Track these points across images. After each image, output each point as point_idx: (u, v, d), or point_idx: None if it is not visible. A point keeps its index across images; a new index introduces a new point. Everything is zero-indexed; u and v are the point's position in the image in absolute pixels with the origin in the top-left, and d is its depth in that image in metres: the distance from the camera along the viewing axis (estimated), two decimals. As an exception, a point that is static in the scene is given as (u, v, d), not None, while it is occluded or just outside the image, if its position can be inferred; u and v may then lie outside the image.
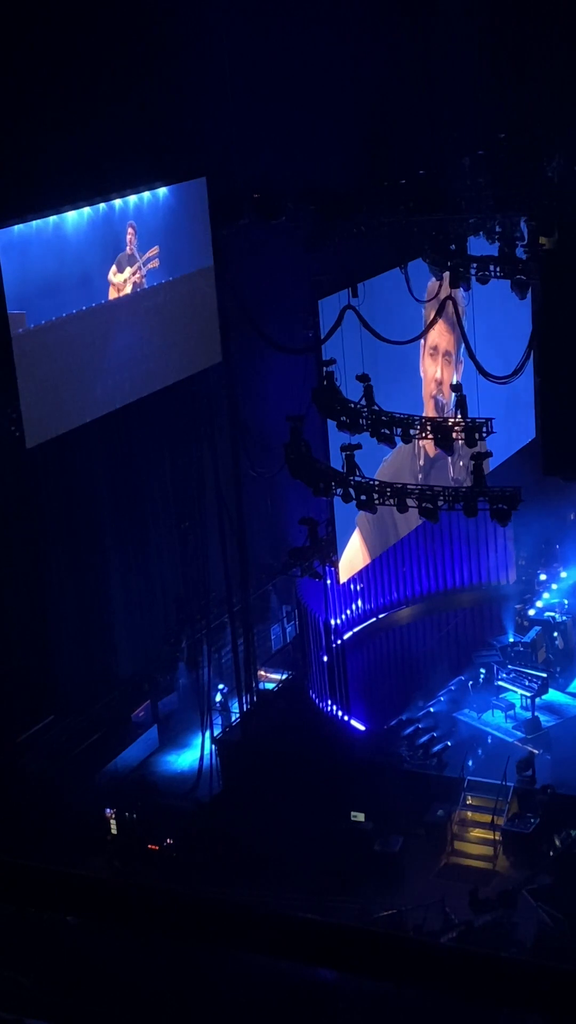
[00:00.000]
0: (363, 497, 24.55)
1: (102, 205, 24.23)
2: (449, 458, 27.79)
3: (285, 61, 25.34)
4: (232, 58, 25.82)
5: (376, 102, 26.18)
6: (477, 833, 25.32)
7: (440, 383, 28.96)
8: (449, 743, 26.87)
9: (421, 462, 28.26)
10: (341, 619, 28.48)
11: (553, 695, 28.48)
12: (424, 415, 28.32)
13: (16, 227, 22.41)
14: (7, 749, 26.48)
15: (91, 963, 4.07)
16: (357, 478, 24.69)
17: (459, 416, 24.41)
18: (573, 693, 28.74)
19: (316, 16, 25.56)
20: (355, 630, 29.07)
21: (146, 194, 25.17)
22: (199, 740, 28.45)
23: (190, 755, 28.75)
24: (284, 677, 30.20)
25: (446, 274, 25.05)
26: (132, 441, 28.81)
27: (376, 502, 24.67)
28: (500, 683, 28.66)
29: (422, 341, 27.96)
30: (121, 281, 25.03)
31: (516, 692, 28.29)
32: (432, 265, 25.26)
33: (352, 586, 28.73)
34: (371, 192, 25.20)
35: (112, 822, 25.74)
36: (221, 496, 28.40)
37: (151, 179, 25.31)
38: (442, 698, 28.77)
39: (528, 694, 28.05)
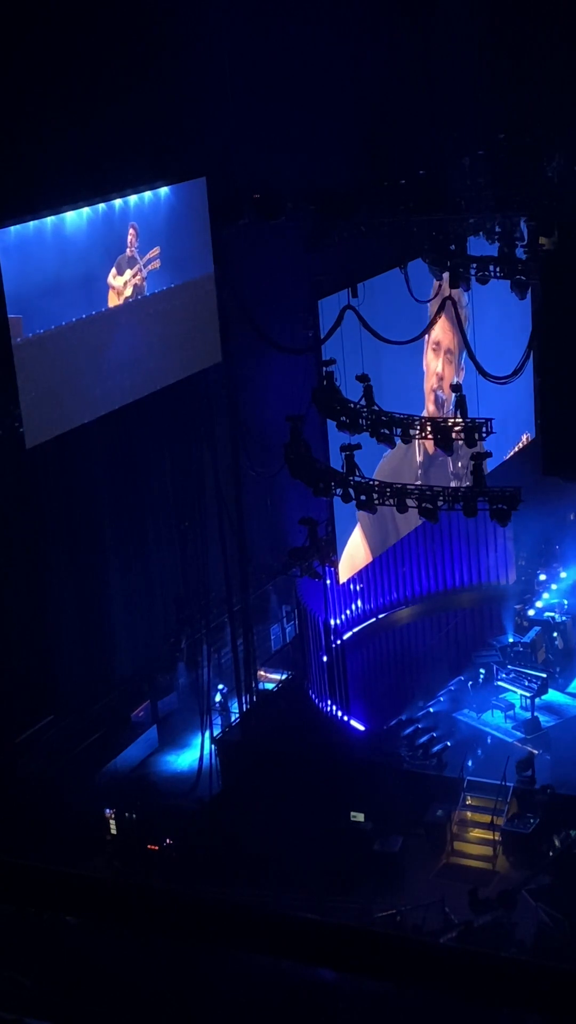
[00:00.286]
0: (363, 497, 24.55)
1: (101, 206, 24.17)
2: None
3: (285, 61, 25.33)
4: (232, 58, 25.81)
5: (376, 102, 26.18)
6: (477, 833, 25.32)
7: (441, 379, 28.97)
8: (449, 743, 26.87)
9: (420, 458, 28.24)
10: (341, 619, 28.48)
11: (553, 695, 28.49)
12: (424, 410, 28.41)
13: (13, 228, 22.32)
14: (6, 749, 26.48)
15: (91, 963, 4.07)
16: (357, 478, 24.69)
17: (459, 416, 24.42)
18: (573, 693, 28.74)
19: (316, 16, 25.55)
20: (355, 630, 29.06)
21: (147, 194, 25.14)
22: (199, 740, 28.44)
23: (190, 755, 28.76)
24: (284, 677, 30.20)
25: (446, 274, 25.06)
26: (132, 441, 28.81)
27: (376, 502, 24.67)
28: (500, 683, 28.67)
29: (426, 335, 27.95)
30: (121, 284, 24.94)
31: (516, 692, 28.30)
32: (432, 265, 25.27)
33: (352, 586, 28.72)
34: (371, 192, 25.21)
35: (112, 822, 25.75)
36: (221, 496, 28.40)
37: (151, 179, 25.29)
38: (442, 698, 28.78)
39: (528, 694, 28.06)
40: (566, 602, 31.11)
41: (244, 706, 29.04)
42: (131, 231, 24.92)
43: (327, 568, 26.89)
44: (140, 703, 29.38)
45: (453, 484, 28.60)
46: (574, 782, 25.44)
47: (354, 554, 27.55)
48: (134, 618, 30.37)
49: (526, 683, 28.24)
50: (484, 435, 23.89)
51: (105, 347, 24.60)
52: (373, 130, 26.10)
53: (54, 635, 28.29)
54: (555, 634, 29.72)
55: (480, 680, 28.93)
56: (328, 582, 27.20)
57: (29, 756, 26.84)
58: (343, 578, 27.40)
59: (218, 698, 29.63)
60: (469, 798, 25.58)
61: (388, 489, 24.63)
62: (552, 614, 30.41)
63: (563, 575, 32.36)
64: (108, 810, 25.79)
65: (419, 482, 27.82)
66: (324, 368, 25.08)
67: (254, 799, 25.24)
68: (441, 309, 26.34)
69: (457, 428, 24.00)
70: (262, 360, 28.26)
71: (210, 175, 26.12)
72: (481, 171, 24.44)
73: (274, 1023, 3.76)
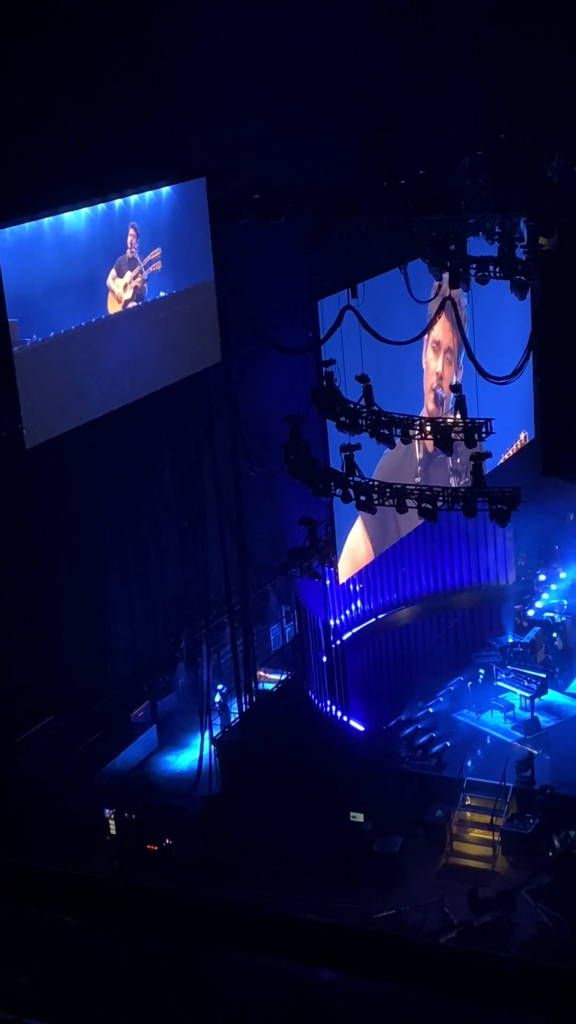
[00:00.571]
0: (362, 497, 24.55)
1: (101, 206, 24.13)
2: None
3: (285, 62, 25.33)
4: (232, 58, 25.82)
5: (376, 102, 26.18)
6: (476, 833, 25.31)
7: (441, 377, 28.97)
8: (448, 743, 26.86)
9: (420, 455, 28.21)
10: (340, 619, 28.47)
11: (552, 695, 28.47)
12: (424, 409, 28.42)
13: (10, 229, 22.20)
14: (6, 749, 26.48)
15: (91, 963, 4.07)
16: (356, 478, 24.69)
17: (458, 416, 24.42)
18: (572, 693, 28.73)
19: (316, 16, 25.54)
20: (354, 630, 29.05)
21: (148, 194, 25.13)
22: (198, 740, 28.44)
23: (189, 755, 28.75)
24: (283, 677, 30.20)
25: (445, 274, 25.06)
26: (132, 441, 28.80)
27: (375, 502, 24.67)
28: (499, 683, 28.66)
29: (425, 336, 27.95)
30: (121, 286, 24.85)
31: (515, 692, 28.29)
32: (432, 266, 25.26)
33: (351, 586, 28.72)
34: (371, 192, 25.20)
35: (111, 822, 25.73)
36: (220, 496, 28.39)
37: (151, 179, 25.30)
38: (441, 698, 28.76)
39: (527, 694, 28.05)
40: (565, 602, 31.10)
41: (244, 706, 29.03)
42: (131, 232, 24.89)
43: (327, 568, 26.89)
44: (140, 703, 29.38)
45: (452, 480, 28.65)
46: (574, 782, 25.44)
47: (355, 549, 27.50)
48: (134, 618, 30.37)
49: (526, 683, 28.23)
50: (484, 435, 23.90)
51: (105, 351, 24.58)
52: (373, 130, 26.11)
53: (54, 635, 28.29)
54: (555, 634, 29.72)
55: (480, 680, 28.92)
56: (328, 582, 27.19)
57: (29, 756, 26.83)
58: (344, 574, 27.38)
59: (218, 698, 29.62)
60: (469, 798, 25.58)
61: (388, 489, 24.62)
62: (551, 614, 30.40)
63: (562, 575, 32.35)
64: (107, 810, 25.78)
65: (419, 479, 27.87)
66: (324, 368, 25.08)
67: (254, 799, 25.24)
68: (441, 309, 26.33)
69: (457, 428, 24.00)
70: (262, 360, 28.27)
71: (210, 175, 26.13)
72: (481, 171, 24.43)
73: (274, 1023, 3.76)
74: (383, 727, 27.71)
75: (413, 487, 24.97)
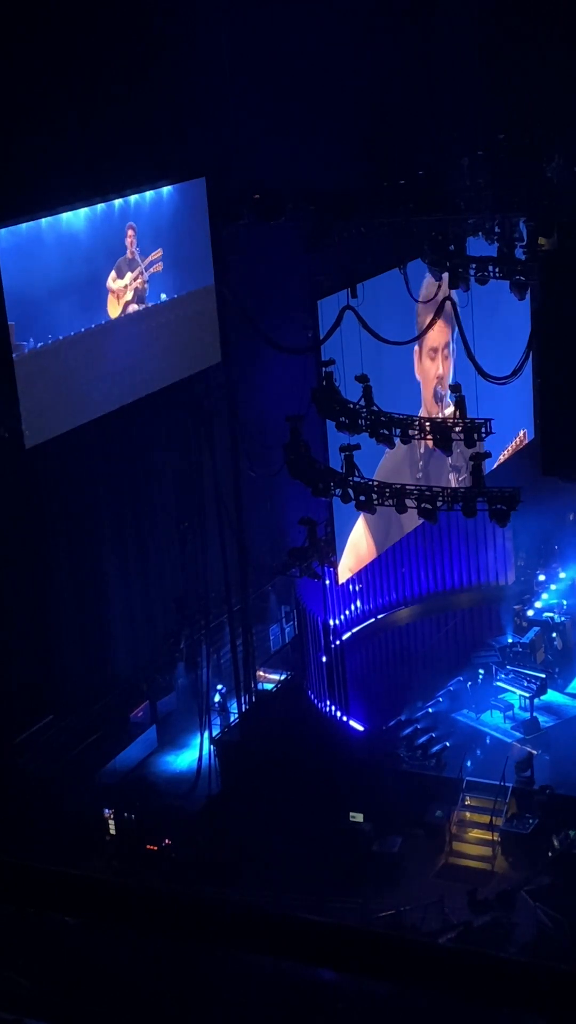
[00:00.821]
0: (362, 497, 24.55)
1: (100, 206, 24.05)
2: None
3: (285, 61, 25.34)
4: (232, 58, 25.82)
5: (376, 103, 26.19)
6: (476, 834, 25.31)
7: (440, 378, 28.97)
8: (448, 743, 26.86)
9: (421, 450, 28.19)
10: (340, 619, 28.48)
11: (552, 696, 28.47)
12: (422, 406, 28.42)
13: (7, 229, 22.04)
14: (6, 749, 26.48)
15: (90, 963, 4.07)
16: (356, 478, 24.69)
17: (458, 416, 24.42)
18: (571, 694, 28.73)
19: (316, 16, 25.55)
20: (354, 630, 29.06)
21: (148, 194, 25.09)
22: (198, 740, 28.44)
23: (189, 755, 28.75)
24: (283, 677, 30.20)
25: (445, 274, 25.05)
26: (132, 441, 28.81)
27: (375, 502, 24.68)
28: (499, 684, 28.66)
29: (416, 345, 27.95)
30: (121, 287, 24.78)
31: (515, 693, 28.29)
32: (431, 266, 25.25)
33: (351, 586, 28.72)
34: (370, 192, 25.20)
35: (111, 822, 25.73)
36: (220, 496, 28.39)
37: (150, 180, 25.28)
38: (441, 698, 28.76)
39: (527, 695, 28.04)
40: (565, 602, 31.10)
41: (243, 706, 29.03)
42: (130, 232, 24.83)
43: (326, 568, 26.89)
44: (139, 703, 29.38)
45: (452, 475, 28.63)
46: (573, 782, 25.44)
47: (358, 544, 27.45)
48: (133, 618, 30.37)
49: (525, 683, 28.23)
50: (483, 435, 23.91)
51: (105, 354, 24.52)
52: (373, 131, 26.12)
53: (54, 635, 28.29)
54: (554, 634, 29.72)
55: (479, 680, 28.92)
56: (327, 582, 27.19)
57: (29, 756, 26.83)
58: (346, 570, 27.36)
59: (217, 698, 29.62)
60: (468, 798, 25.58)
61: (387, 489, 24.63)
62: (551, 614, 30.40)
63: (562, 575, 32.36)
64: (107, 810, 25.78)
65: (420, 474, 27.90)
66: (323, 368, 25.08)
67: (253, 799, 25.23)
68: (440, 310, 26.32)
69: (456, 429, 24.00)
70: (262, 360, 28.27)
71: (210, 175, 26.12)
72: (480, 171, 24.42)
73: (274, 1023, 3.76)
74: (382, 727, 27.71)
75: (412, 487, 24.97)
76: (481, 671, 29.08)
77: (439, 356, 28.85)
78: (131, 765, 28.42)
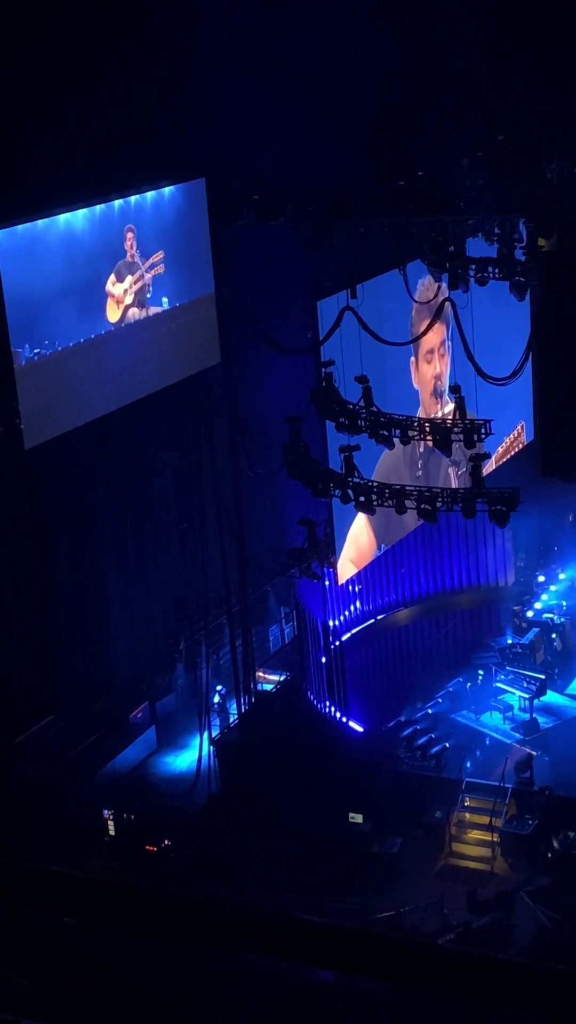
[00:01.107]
0: (361, 498, 24.56)
1: (99, 207, 23.91)
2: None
3: (285, 61, 25.33)
4: (232, 58, 25.81)
5: (375, 103, 26.19)
6: (475, 834, 25.30)
7: (438, 376, 28.95)
8: (447, 744, 26.86)
9: (421, 449, 28.18)
10: (339, 620, 28.46)
11: (551, 696, 28.47)
12: (422, 407, 28.41)
13: (5, 231, 21.83)
14: (6, 749, 26.47)
15: (89, 964, 4.07)
16: (356, 479, 24.70)
17: (457, 417, 24.43)
18: (571, 695, 28.73)
19: (316, 17, 25.55)
20: (353, 631, 29.03)
21: (149, 194, 25.03)
22: (197, 741, 28.43)
23: (188, 756, 28.74)
24: (282, 678, 30.19)
25: (445, 275, 25.06)
26: (131, 441, 28.81)
27: (375, 503, 24.69)
28: (498, 684, 28.66)
29: (412, 355, 27.92)
30: (121, 292, 24.58)
31: (514, 693, 28.28)
32: (431, 267, 25.26)
33: (350, 587, 28.71)
34: (370, 193, 25.20)
35: (110, 823, 25.71)
36: (220, 497, 28.40)
37: (150, 180, 25.26)
38: (440, 699, 28.76)
39: (526, 695, 28.04)
40: (564, 603, 31.10)
41: (243, 707, 29.03)
42: (129, 235, 24.71)
43: (326, 569, 26.88)
44: (139, 704, 29.37)
45: (452, 470, 28.60)
46: (573, 783, 25.44)
47: (358, 535, 27.38)
48: (133, 619, 30.36)
49: (525, 684, 28.23)
50: (483, 436, 23.92)
51: (105, 359, 24.40)
52: (373, 131, 26.12)
53: (53, 636, 28.28)
54: (554, 635, 29.71)
55: (479, 681, 28.92)
56: (327, 583, 27.19)
57: (28, 756, 26.83)
58: (347, 562, 27.28)
59: (217, 699, 29.61)
60: (468, 799, 25.57)
61: (387, 490, 24.64)
62: (551, 615, 30.39)
63: (561, 576, 32.35)
64: (106, 811, 25.76)
65: (419, 472, 27.89)
66: (323, 369, 25.09)
67: (252, 800, 25.23)
68: (437, 314, 26.31)
69: (456, 430, 24.01)
70: (261, 361, 28.26)
71: (210, 176, 26.11)
72: (480, 172, 24.44)
73: (274, 1023, 3.76)
74: (382, 728, 27.71)
75: (412, 488, 24.98)
76: (481, 672, 29.08)
77: (435, 356, 28.81)
78: (130, 766, 28.41)
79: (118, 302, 24.66)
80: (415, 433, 24.50)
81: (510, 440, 31.33)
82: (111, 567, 29.71)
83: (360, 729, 27.55)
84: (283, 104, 25.63)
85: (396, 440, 24.58)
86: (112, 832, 25.68)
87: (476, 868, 24.75)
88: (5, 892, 3.78)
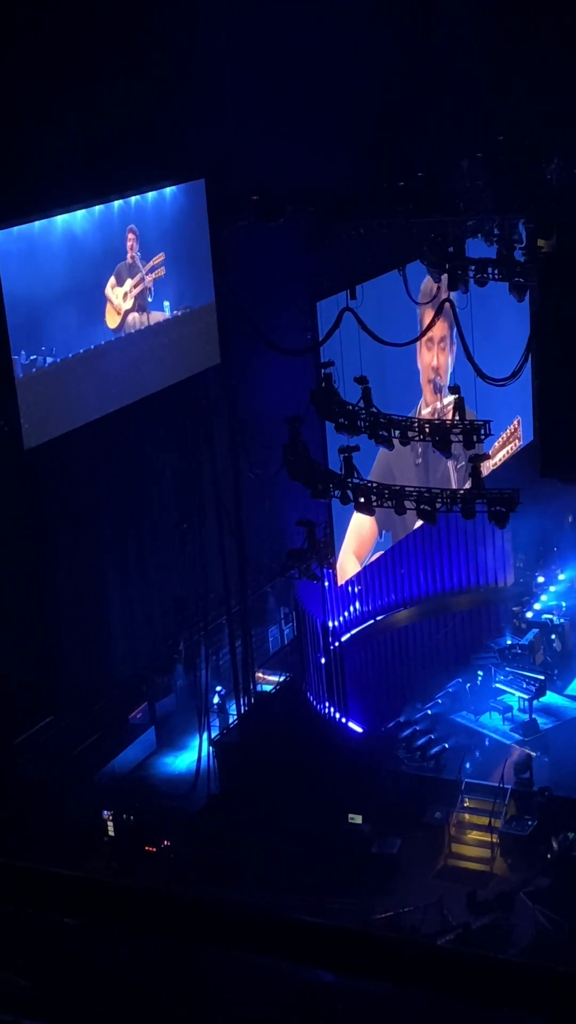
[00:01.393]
0: (361, 499, 24.56)
1: (98, 208, 23.77)
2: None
3: (285, 62, 25.32)
4: (232, 58, 25.80)
5: (375, 104, 26.18)
6: (475, 835, 25.30)
7: (437, 369, 28.94)
8: (447, 745, 26.86)
9: (420, 447, 28.16)
10: (339, 621, 28.46)
11: (551, 697, 28.47)
12: (423, 399, 28.40)
13: (3, 232, 21.73)
14: (6, 750, 26.47)
15: (88, 964, 4.06)
16: (355, 480, 24.70)
17: (456, 418, 24.43)
18: (571, 695, 28.72)
19: (316, 17, 25.55)
20: (353, 632, 29.04)
21: (150, 195, 24.96)
22: (197, 742, 28.43)
23: (188, 757, 28.74)
24: (282, 679, 30.19)
25: (444, 276, 25.06)
26: (131, 442, 28.81)
27: (374, 504, 24.69)
28: (498, 685, 28.65)
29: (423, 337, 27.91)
30: (121, 295, 24.39)
31: (514, 694, 28.28)
32: (430, 267, 25.26)
33: (350, 588, 28.72)
34: (370, 194, 25.20)
35: (109, 824, 25.71)
36: (219, 497, 28.39)
37: (149, 181, 25.23)
38: (440, 700, 28.76)
39: (526, 696, 28.04)
40: (564, 604, 31.09)
41: (242, 708, 29.03)
42: (130, 236, 24.59)
43: (325, 570, 26.88)
44: (138, 705, 29.38)
45: (451, 464, 28.59)
46: (572, 784, 25.44)
47: (361, 523, 27.31)
48: (132, 619, 30.36)
49: (524, 685, 28.22)
50: (482, 437, 23.93)
51: (105, 366, 24.29)
52: (372, 132, 26.10)
53: (53, 636, 28.28)
54: (553, 636, 29.70)
55: (478, 682, 28.91)
56: (326, 584, 27.19)
57: (28, 756, 26.82)
58: (350, 552, 27.20)
59: (216, 700, 29.61)
60: (467, 800, 25.57)
61: (386, 491, 24.64)
62: (550, 616, 30.38)
63: (561, 577, 32.35)
64: (106, 812, 25.76)
65: (419, 459, 27.87)
66: (323, 370, 25.09)
67: (252, 801, 25.24)
68: (439, 313, 26.31)
69: (455, 430, 24.01)
70: (261, 362, 28.25)
71: (209, 176, 26.09)
72: (480, 173, 24.43)
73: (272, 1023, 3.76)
74: (381, 729, 27.71)
75: (412, 489, 24.99)
76: (480, 673, 29.07)
77: (435, 347, 28.75)
78: (130, 766, 28.41)
79: (117, 307, 24.53)
80: (414, 434, 24.51)
81: (506, 435, 31.30)
82: (111, 567, 29.71)
83: (359, 730, 27.55)
84: (283, 104, 25.62)
85: (396, 441, 24.58)
86: (112, 833, 25.68)
87: (475, 869, 24.75)
88: (3, 893, 3.78)
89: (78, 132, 24.64)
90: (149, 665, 30.34)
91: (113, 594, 29.84)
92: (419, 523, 25.96)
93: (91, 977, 4.02)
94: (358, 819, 25.13)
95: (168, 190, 25.53)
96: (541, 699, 28.17)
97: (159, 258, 25.26)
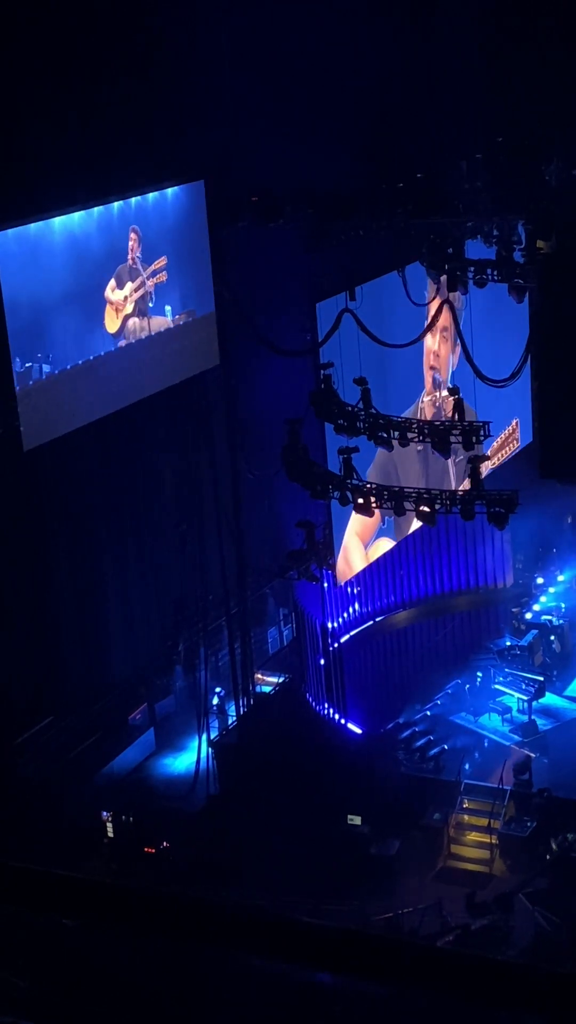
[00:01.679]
0: (360, 500, 24.56)
1: (97, 210, 23.66)
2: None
3: (285, 63, 25.32)
4: (232, 59, 25.80)
5: (375, 105, 26.18)
6: (474, 836, 25.30)
7: (438, 355, 28.91)
8: (446, 746, 26.86)
9: (420, 447, 28.13)
10: (338, 622, 28.46)
11: (550, 698, 28.47)
12: (425, 391, 28.38)
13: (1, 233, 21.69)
14: (5, 750, 26.46)
15: (87, 965, 4.06)
16: (354, 481, 24.69)
17: (456, 419, 24.43)
18: (570, 696, 28.72)
19: (316, 17, 25.55)
20: (352, 633, 29.03)
21: (151, 196, 24.90)
22: (196, 743, 28.41)
23: (187, 758, 28.72)
24: (281, 680, 30.17)
25: (443, 277, 25.07)
26: (130, 444, 28.79)
27: (373, 505, 24.69)
28: (497, 686, 28.65)
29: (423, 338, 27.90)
30: (121, 299, 24.21)
31: (513, 695, 28.28)
32: (430, 268, 25.26)
33: (349, 589, 28.72)
34: (369, 195, 25.20)
35: (108, 825, 25.71)
36: (219, 498, 28.38)
37: (149, 182, 25.22)
38: (439, 701, 28.75)
39: (525, 697, 28.04)
40: (563, 605, 31.10)
41: (241, 709, 29.01)
42: (132, 236, 24.46)
43: (324, 571, 26.88)
44: (137, 706, 29.35)
45: (450, 459, 28.55)
46: (571, 785, 25.44)
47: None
48: (132, 620, 30.34)
49: (523, 686, 28.23)
50: (482, 438, 23.93)
51: (105, 373, 24.20)
52: (372, 132, 26.10)
53: (52, 637, 28.26)
54: (552, 637, 29.70)
55: (477, 683, 28.91)
56: (326, 585, 27.18)
57: (28, 757, 26.81)
58: (353, 535, 27.11)
59: (215, 701, 29.59)
60: (466, 801, 25.57)
61: (385, 492, 24.64)
62: (549, 617, 30.39)
63: (560, 578, 32.35)
64: (105, 813, 25.76)
65: (420, 447, 27.83)
66: (322, 371, 25.08)
67: (251, 802, 25.22)
68: (439, 313, 26.32)
69: (455, 431, 24.01)
70: (260, 363, 28.23)
71: (209, 177, 26.08)
72: (479, 174, 24.43)
73: (272, 1025, 3.76)
74: (381, 730, 27.70)
75: (411, 490, 24.99)
76: (479, 674, 29.07)
77: (437, 333, 28.57)
78: (129, 768, 28.39)
79: (117, 310, 24.33)
80: (414, 435, 24.50)
81: (505, 435, 31.30)
82: (110, 568, 29.70)
83: (359, 731, 27.55)
84: (283, 104, 25.61)
85: (395, 442, 24.58)
86: (111, 834, 25.68)
87: (475, 870, 24.74)
88: (2, 893, 3.78)
89: (78, 132, 24.60)
90: (148, 666, 30.33)
91: (112, 595, 29.83)
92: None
93: (91, 977, 4.02)
94: (357, 820, 25.13)
95: (170, 191, 25.49)
96: (540, 700, 28.17)
97: (161, 262, 25.15)
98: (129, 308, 24.63)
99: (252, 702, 29.26)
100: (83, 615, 29.01)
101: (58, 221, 22.75)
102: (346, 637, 28.71)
